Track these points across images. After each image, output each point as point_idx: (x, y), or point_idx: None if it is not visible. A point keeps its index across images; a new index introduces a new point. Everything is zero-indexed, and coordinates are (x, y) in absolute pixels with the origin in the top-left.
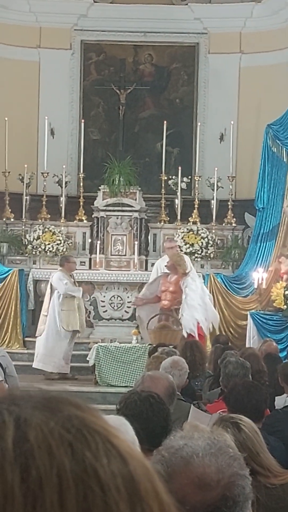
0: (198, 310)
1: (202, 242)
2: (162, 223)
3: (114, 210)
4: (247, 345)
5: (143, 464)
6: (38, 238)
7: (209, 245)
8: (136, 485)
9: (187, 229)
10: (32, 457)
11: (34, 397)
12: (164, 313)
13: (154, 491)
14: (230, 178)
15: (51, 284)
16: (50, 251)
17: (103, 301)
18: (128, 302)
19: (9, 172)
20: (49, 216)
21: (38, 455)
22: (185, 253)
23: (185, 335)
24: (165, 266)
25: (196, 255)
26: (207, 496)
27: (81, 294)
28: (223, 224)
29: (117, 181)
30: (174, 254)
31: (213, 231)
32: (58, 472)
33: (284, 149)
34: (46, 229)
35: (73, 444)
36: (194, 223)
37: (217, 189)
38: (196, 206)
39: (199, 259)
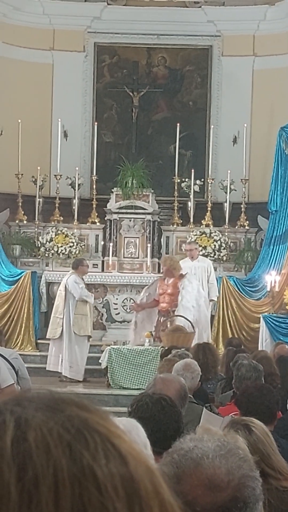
0: (192, 312)
1: (215, 245)
2: (175, 226)
3: (127, 213)
4: (259, 348)
5: (145, 465)
6: (51, 240)
7: (222, 247)
8: (135, 485)
9: (200, 231)
10: (30, 456)
11: (40, 399)
12: (163, 315)
13: (155, 491)
14: (243, 180)
15: (65, 287)
16: (63, 254)
17: (116, 304)
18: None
19: (22, 174)
20: (62, 218)
21: (36, 455)
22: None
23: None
24: (161, 271)
25: (209, 257)
26: (217, 498)
27: (93, 300)
28: (236, 227)
29: (130, 184)
30: (166, 258)
31: (226, 233)
32: (54, 471)
33: None
34: (59, 232)
35: (72, 444)
36: (207, 225)
37: (230, 192)
38: (209, 208)
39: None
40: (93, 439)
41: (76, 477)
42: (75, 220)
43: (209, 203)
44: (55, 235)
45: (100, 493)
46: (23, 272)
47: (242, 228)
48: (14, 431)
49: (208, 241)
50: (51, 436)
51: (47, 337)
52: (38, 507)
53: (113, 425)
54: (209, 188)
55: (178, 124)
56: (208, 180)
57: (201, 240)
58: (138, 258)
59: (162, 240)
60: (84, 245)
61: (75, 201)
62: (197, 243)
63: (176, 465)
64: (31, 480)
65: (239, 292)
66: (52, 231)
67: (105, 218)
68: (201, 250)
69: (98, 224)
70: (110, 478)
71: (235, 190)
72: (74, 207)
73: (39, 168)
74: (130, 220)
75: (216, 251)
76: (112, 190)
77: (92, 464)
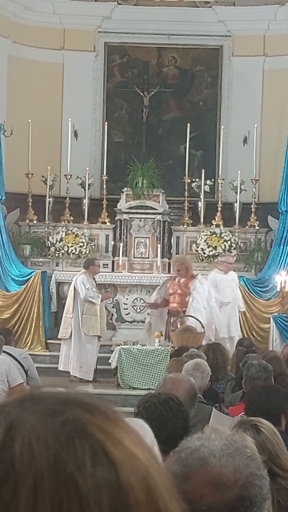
0: (203, 313)
1: (225, 245)
2: (185, 226)
3: (137, 213)
4: (269, 348)
5: (142, 473)
6: (61, 240)
7: (232, 248)
8: (123, 495)
9: (210, 232)
10: (12, 464)
11: (46, 399)
12: (173, 315)
13: (148, 500)
14: (253, 181)
15: (74, 287)
16: (73, 253)
17: (126, 304)
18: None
19: (32, 174)
20: (72, 218)
21: (19, 463)
22: (208, 256)
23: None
24: (172, 271)
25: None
26: (224, 497)
27: (99, 302)
28: (246, 227)
29: (140, 184)
30: (178, 258)
31: (236, 234)
32: (34, 482)
33: None
34: (69, 231)
35: (58, 452)
36: (217, 226)
37: (240, 192)
38: (219, 209)
39: None
40: (82, 447)
41: (57, 489)
42: (85, 220)
43: (219, 203)
44: (65, 235)
45: (80, 506)
46: (33, 272)
47: (252, 228)
48: (2, 436)
49: (218, 241)
50: (37, 443)
51: (58, 337)
52: None
53: (116, 427)
54: (219, 188)
55: (188, 124)
56: (218, 180)
57: (211, 240)
58: (148, 258)
59: (172, 240)
60: (94, 245)
61: (85, 201)
62: (234, 257)
63: (182, 464)
64: (9, 490)
65: (249, 292)
66: (62, 231)
67: (115, 218)
68: (211, 250)
69: (108, 224)
70: (93, 490)
71: (245, 190)
72: (84, 207)
73: (49, 167)
74: (140, 220)
75: (226, 251)
76: (123, 190)
77: (75, 475)
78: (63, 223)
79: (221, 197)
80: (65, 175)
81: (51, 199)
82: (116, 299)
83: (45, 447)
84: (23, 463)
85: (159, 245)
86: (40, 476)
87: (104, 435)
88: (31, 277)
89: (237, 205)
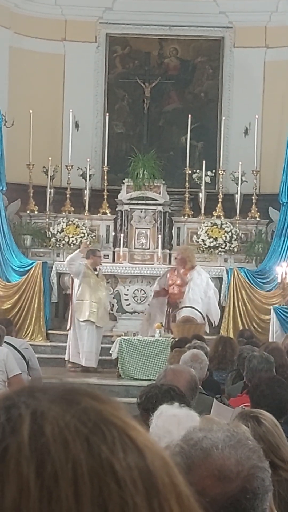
0: (199, 304)
1: (226, 236)
2: (186, 217)
3: (138, 204)
4: (270, 340)
5: (161, 457)
6: (62, 231)
7: (233, 239)
8: (153, 479)
9: (211, 223)
10: (48, 451)
11: (53, 389)
12: (171, 307)
13: (171, 484)
14: (254, 172)
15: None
16: (73, 244)
17: (127, 295)
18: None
19: (33, 165)
20: (73, 209)
21: (54, 449)
22: (209, 247)
23: None
24: (175, 259)
25: (219, 249)
26: (226, 488)
27: (80, 258)
28: (247, 219)
29: (141, 175)
30: (182, 248)
31: (237, 225)
32: (73, 466)
33: None
34: (70, 222)
35: (89, 438)
36: (218, 217)
37: (241, 183)
38: (220, 200)
39: (222, 253)
40: (110, 433)
41: (95, 472)
42: (86, 211)
43: (220, 194)
44: (66, 225)
45: (119, 487)
46: (34, 262)
47: (253, 219)
48: (31, 425)
49: (219, 232)
50: (68, 430)
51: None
52: (58, 503)
53: (127, 415)
54: (220, 179)
55: (189, 115)
56: (219, 172)
57: (212, 231)
58: (149, 249)
59: (173, 231)
60: (95, 235)
61: (86, 192)
62: None
63: (185, 456)
64: (50, 476)
65: (250, 283)
66: (63, 222)
67: (116, 209)
68: (212, 242)
69: (109, 215)
70: (128, 472)
71: (246, 182)
72: (85, 198)
73: (50, 158)
74: (141, 211)
75: (227, 243)
76: (123, 181)
77: (110, 458)
78: (64, 213)
79: (222, 188)
80: (66, 166)
81: (52, 190)
82: (116, 290)
83: (76, 434)
84: (59, 449)
85: (159, 236)
86: (78, 461)
87: (122, 422)
88: (32, 267)
89: (238, 196)
